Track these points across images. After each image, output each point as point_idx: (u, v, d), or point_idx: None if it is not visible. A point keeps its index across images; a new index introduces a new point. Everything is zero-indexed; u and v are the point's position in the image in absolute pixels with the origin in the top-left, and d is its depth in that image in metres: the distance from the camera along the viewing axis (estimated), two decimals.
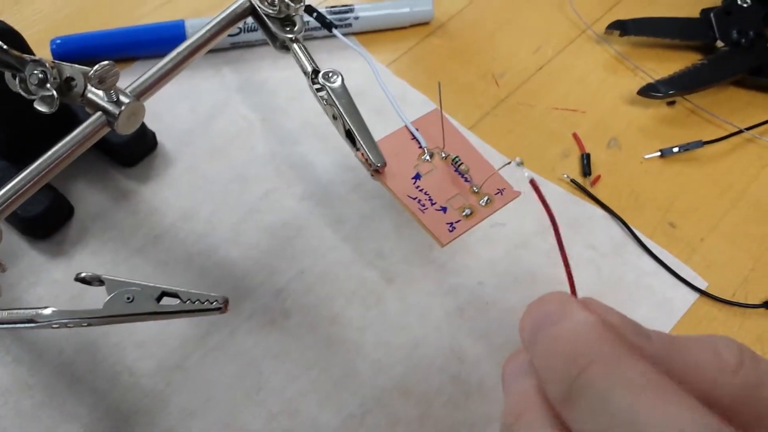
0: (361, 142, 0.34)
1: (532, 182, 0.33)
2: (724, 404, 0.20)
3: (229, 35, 0.48)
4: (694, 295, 0.40)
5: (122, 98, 0.34)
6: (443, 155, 0.36)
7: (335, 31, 0.42)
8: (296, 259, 0.40)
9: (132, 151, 0.43)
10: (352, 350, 0.38)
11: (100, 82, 0.33)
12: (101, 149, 0.43)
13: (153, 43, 0.48)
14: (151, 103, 0.45)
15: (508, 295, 0.40)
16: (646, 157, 0.45)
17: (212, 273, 0.40)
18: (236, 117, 0.46)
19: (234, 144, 0.45)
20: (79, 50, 0.47)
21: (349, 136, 0.35)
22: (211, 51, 0.48)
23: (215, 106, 0.46)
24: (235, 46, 0.49)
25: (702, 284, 0.41)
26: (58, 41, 0.47)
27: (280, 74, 0.48)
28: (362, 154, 0.34)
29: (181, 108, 0.46)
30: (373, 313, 0.39)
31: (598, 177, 0.44)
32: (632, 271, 0.41)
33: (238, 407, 0.36)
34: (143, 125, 0.43)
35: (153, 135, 0.44)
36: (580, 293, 0.40)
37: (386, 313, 0.39)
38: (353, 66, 0.47)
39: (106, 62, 0.33)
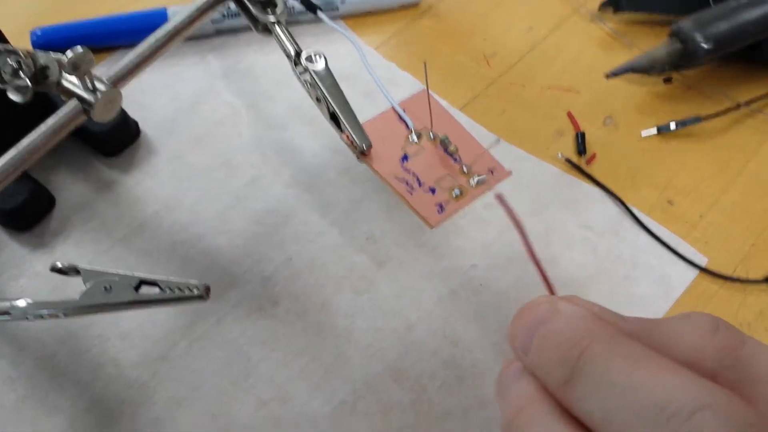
0: (346, 124, 0.33)
1: (498, 197, 0.32)
2: (707, 368, 0.21)
3: (213, 21, 0.47)
4: (693, 272, 0.39)
5: (98, 85, 0.33)
6: (431, 136, 0.35)
7: (321, 15, 0.41)
8: (284, 245, 0.39)
9: (114, 140, 0.42)
10: (342, 336, 0.37)
11: (74, 68, 0.32)
12: (82, 139, 0.42)
13: (136, 31, 0.46)
14: (133, 92, 0.44)
15: (501, 277, 0.39)
16: (643, 134, 0.44)
17: (197, 262, 0.39)
18: (221, 104, 0.45)
19: (219, 131, 0.44)
20: (60, 41, 0.47)
21: (334, 118, 0.34)
22: (196, 38, 0.48)
23: (199, 94, 0.45)
24: (219, 32, 0.48)
25: (701, 261, 0.40)
26: (39, 32, 0.46)
27: (265, 59, 0.47)
28: (347, 136, 0.33)
29: (164, 96, 0.45)
30: (364, 298, 0.38)
31: (594, 155, 0.43)
32: (629, 250, 0.40)
33: (227, 395, 0.35)
34: (125, 114, 0.42)
35: (135, 124, 0.43)
36: (578, 274, 0.39)
37: (377, 297, 0.38)
38: (341, 50, 0.46)
39: (79, 48, 0.32)
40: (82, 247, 0.40)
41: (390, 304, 0.38)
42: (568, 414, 0.22)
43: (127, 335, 0.37)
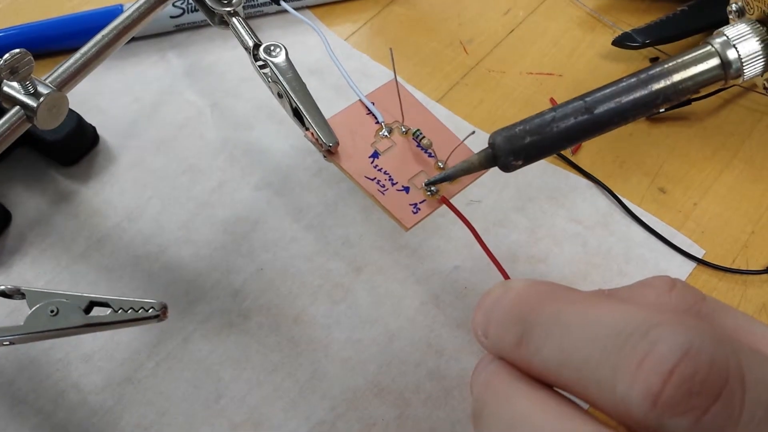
0: (310, 120, 0.31)
1: (444, 200, 0.30)
2: None
3: (172, 17, 0.44)
4: (690, 265, 0.37)
5: (41, 89, 0.31)
6: (403, 129, 0.32)
7: (284, 4, 0.39)
8: (254, 254, 0.37)
9: (70, 148, 0.40)
10: (319, 350, 0.34)
11: (12, 72, 0.30)
12: (38, 149, 0.40)
13: (91, 31, 0.44)
14: (90, 95, 0.42)
15: (487, 278, 0.36)
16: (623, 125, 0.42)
17: (162, 276, 0.36)
18: (184, 104, 0.42)
19: (182, 134, 0.41)
20: (11, 46, 0.43)
21: (297, 114, 0.32)
22: (155, 35, 0.45)
23: (161, 94, 0.43)
24: (179, 29, 0.45)
25: (698, 252, 0.37)
26: None
27: (229, 55, 0.44)
28: (312, 133, 0.31)
29: (123, 98, 0.42)
30: (341, 307, 0.35)
31: (579, 145, 0.41)
32: (621, 243, 0.37)
33: (197, 419, 0.33)
34: (81, 120, 0.39)
35: (93, 130, 0.40)
36: (567, 271, 0.37)
37: (355, 306, 0.35)
38: (309, 42, 0.43)
39: (17, 50, 0.30)
40: (39, 265, 0.37)
41: (369, 312, 0.35)
42: (530, 378, 0.22)
43: (90, 357, 0.34)
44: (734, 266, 0.37)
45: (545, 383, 0.22)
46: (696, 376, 0.18)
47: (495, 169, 0.31)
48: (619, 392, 0.19)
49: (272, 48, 0.32)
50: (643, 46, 0.43)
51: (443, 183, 0.31)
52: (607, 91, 0.30)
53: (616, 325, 0.19)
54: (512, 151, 0.28)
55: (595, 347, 0.20)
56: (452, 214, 0.35)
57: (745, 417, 0.18)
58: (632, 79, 0.30)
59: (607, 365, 0.19)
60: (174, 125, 0.41)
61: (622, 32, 0.44)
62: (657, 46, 0.44)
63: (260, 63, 0.33)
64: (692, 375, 0.18)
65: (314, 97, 0.32)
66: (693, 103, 0.42)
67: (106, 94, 0.42)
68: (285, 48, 0.32)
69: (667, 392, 0.18)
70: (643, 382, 0.18)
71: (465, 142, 0.31)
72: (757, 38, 0.31)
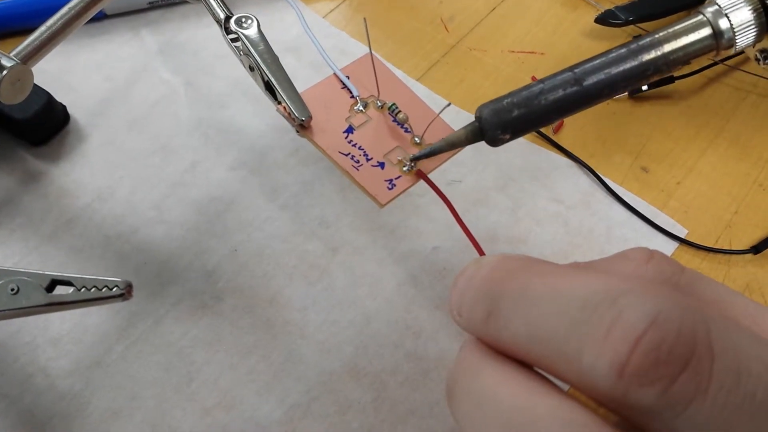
0: (282, 93, 0.30)
1: (420, 173, 0.29)
2: None
3: None
4: (673, 245, 0.36)
5: (4, 62, 0.30)
6: (378, 104, 0.31)
7: None
8: (228, 235, 0.36)
9: (40, 127, 0.38)
10: (294, 332, 0.33)
11: None
12: (6, 127, 0.38)
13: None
14: (60, 73, 0.41)
15: (466, 258, 0.35)
16: (614, 96, 0.41)
17: (133, 257, 0.35)
18: (157, 82, 0.41)
19: (155, 112, 0.40)
20: None
21: (269, 88, 0.31)
22: (128, 12, 0.44)
23: (134, 72, 0.41)
24: (153, 6, 0.44)
25: (681, 232, 0.37)
26: None
27: (204, 32, 0.43)
28: (284, 107, 0.30)
29: (95, 77, 0.41)
30: (317, 289, 0.35)
31: (561, 123, 0.40)
32: (603, 223, 0.37)
33: (168, 403, 0.32)
34: (51, 98, 0.38)
35: (63, 108, 0.39)
36: (548, 251, 0.36)
37: (332, 288, 0.35)
38: (287, 19, 0.43)
39: None
40: (7, 246, 0.36)
41: (346, 294, 0.34)
42: (501, 354, 0.21)
43: (58, 340, 0.33)
44: (717, 246, 0.36)
45: (517, 359, 0.21)
46: (663, 344, 0.17)
47: (476, 149, 0.30)
48: (585, 364, 0.18)
49: (243, 20, 0.31)
50: (627, 23, 0.42)
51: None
52: (597, 62, 0.29)
53: (583, 296, 0.19)
54: (500, 124, 0.27)
55: (562, 319, 0.19)
56: (431, 193, 0.34)
57: (714, 386, 0.17)
58: (622, 50, 0.29)
59: (573, 337, 0.19)
60: (147, 104, 0.40)
61: (604, 10, 0.43)
62: (640, 24, 0.43)
63: (232, 36, 0.32)
64: (659, 343, 0.17)
65: (291, 75, 0.31)
66: (677, 81, 0.41)
67: (77, 73, 0.41)
68: (257, 19, 0.31)
69: (633, 362, 0.17)
70: (608, 353, 0.18)
71: (441, 116, 0.30)
72: (750, 7, 0.30)
